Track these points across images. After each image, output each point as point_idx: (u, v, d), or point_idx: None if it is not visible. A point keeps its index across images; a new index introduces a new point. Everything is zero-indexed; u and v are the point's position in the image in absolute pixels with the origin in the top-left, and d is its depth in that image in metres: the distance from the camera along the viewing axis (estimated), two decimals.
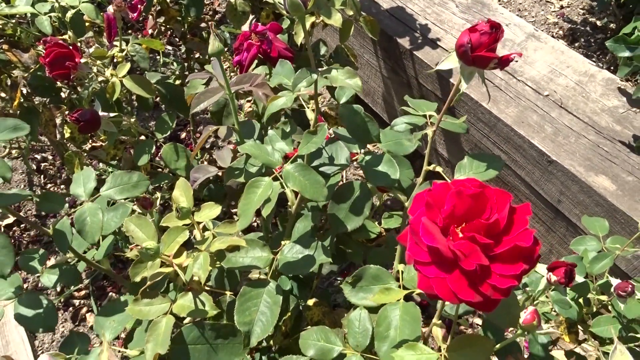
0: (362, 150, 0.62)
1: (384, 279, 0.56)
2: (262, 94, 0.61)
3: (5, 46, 0.98)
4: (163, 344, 0.54)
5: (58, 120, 1.03)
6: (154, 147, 0.94)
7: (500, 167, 0.56)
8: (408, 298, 0.54)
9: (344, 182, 0.61)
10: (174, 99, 0.96)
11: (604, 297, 0.82)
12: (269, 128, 0.61)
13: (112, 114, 0.84)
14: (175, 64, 1.79)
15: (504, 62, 0.47)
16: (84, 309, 1.54)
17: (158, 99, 1.29)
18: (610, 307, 0.81)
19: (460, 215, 0.37)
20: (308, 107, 0.61)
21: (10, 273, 0.61)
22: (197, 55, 1.36)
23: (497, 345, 0.48)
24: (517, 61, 1.27)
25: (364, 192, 0.60)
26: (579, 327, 0.86)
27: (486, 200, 0.37)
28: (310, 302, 0.79)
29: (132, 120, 0.92)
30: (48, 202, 0.67)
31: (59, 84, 1.13)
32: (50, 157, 1.87)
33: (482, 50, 0.45)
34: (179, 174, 0.93)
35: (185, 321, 0.67)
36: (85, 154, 1.18)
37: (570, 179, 1.07)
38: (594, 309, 0.85)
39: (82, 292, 1.55)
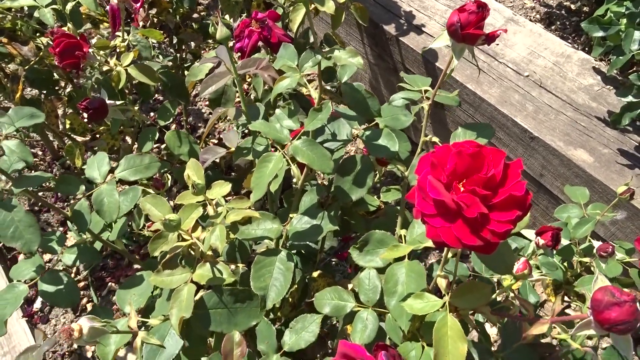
0: (362, 127, 0.67)
1: (389, 242, 0.61)
2: (268, 76, 0.65)
3: (4, 39, 1.00)
4: (187, 308, 0.58)
5: (60, 112, 1.06)
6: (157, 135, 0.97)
7: (491, 134, 0.62)
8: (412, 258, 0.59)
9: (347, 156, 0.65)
10: (174, 87, 0.99)
11: (586, 260, 0.88)
12: (275, 109, 0.65)
13: (118, 102, 0.87)
14: (160, 57, 1.81)
15: (490, 39, 0.52)
16: (84, 300, 1.57)
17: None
18: (592, 269, 0.88)
19: (461, 172, 0.42)
20: (311, 88, 0.65)
21: None
22: (190, 46, 1.39)
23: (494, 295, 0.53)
24: (498, 44, 1.33)
25: (365, 165, 0.65)
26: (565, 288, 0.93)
27: (483, 158, 0.42)
28: (315, 274, 0.84)
29: (136, 108, 0.95)
30: (65, 184, 0.70)
31: (55, 76, 1.15)
32: (40, 153, 1.88)
33: (470, 28, 0.50)
34: (182, 159, 0.97)
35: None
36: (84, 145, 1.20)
37: (551, 153, 1.14)
38: (578, 271, 0.92)
39: (82, 284, 1.58)
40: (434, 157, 0.43)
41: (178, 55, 1.37)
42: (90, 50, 0.83)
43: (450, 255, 0.52)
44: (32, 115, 0.67)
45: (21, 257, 1.65)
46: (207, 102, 1.81)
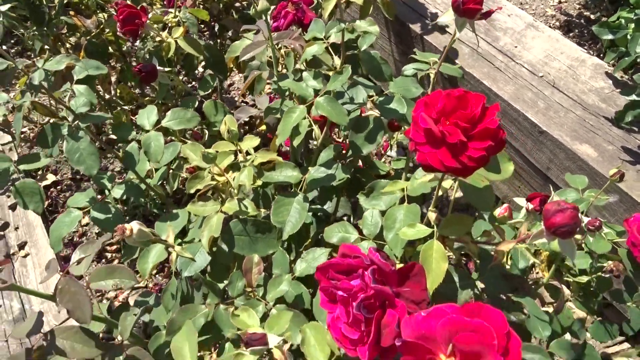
0: (376, 95, 0.77)
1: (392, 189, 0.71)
2: (299, 45, 0.76)
3: (72, 12, 1.15)
4: (216, 230, 0.69)
5: (113, 78, 1.19)
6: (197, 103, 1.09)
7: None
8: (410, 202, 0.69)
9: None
10: (215, 62, 1.11)
11: (578, 237, 0.95)
12: (301, 72, 0.76)
13: (166, 69, 1.00)
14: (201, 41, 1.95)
15: (487, 14, 0.62)
16: (116, 261, 1.70)
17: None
18: (583, 245, 0.95)
19: (448, 110, 0.52)
20: (335, 55, 0.76)
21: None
22: (229, 34, 1.52)
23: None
24: (516, 47, 1.41)
25: (377, 124, 0.75)
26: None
27: (467, 100, 0.52)
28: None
29: (180, 78, 1.08)
30: (120, 129, 0.82)
31: (110, 50, 1.29)
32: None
33: (470, 3, 0.60)
34: (216, 126, 1.08)
35: None
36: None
37: (558, 147, 1.21)
38: None
39: (114, 247, 1.71)
40: (427, 99, 0.53)
41: (219, 40, 1.50)
42: (147, 21, 0.96)
43: (440, 192, 0.61)
44: (97, 67, 0.80)
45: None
46: (239, 92, 1.95)
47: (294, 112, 0.70)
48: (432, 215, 0.61)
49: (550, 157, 1.24)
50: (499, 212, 0.63)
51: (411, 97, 0.77)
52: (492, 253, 0.58)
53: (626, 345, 1.38)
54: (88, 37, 1.16)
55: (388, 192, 0.71)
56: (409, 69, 0.76)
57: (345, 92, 0.77)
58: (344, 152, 0.80)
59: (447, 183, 0.62)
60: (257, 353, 0.48)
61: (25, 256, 1.55)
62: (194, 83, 1.78)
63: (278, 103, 0.81)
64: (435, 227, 0.60)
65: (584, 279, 0.95)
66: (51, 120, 0.74)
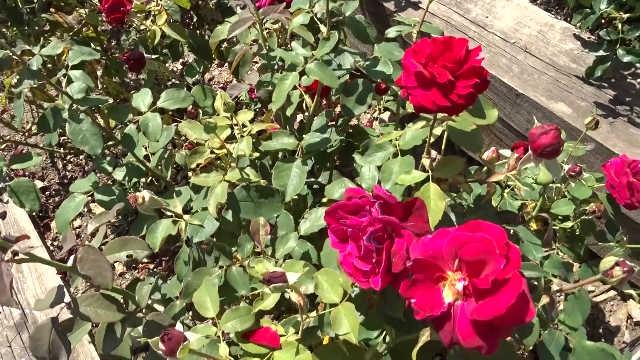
0: (363, 59, 0.81)
1: (385, 146, 0.75)
2: (285, 18, 0.79)
3: (52, 9, 1.16)
4: (222, 196, 0.72)
5: (99, 73, 1.21)
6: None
7: None
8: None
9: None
10: (200, 48, 1.14)
11: (561, 185, 1.01)
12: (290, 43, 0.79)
13: (153, 56, 1.02)
14: None
15: None
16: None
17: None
18: (566, 193, 1.01)
19: (435, 55, 0.56)
20: (321, 24, 0.79)
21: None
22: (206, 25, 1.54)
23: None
24: (487, 17, 1.47)
25: (365, 87, 0.79)
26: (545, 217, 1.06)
27: (452, 43, 0.56)
28: (325, 200, 0.98)
29: (166, 65, 1.10)
30: (117, 112, 0.85)
31: (92, 45, 1.30)
32: None
33: None
34: (207, 110, 1.11)
35: None
36: None
37: (534, 107, 1.27)
38: (555, 199, 1.04)
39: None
40: (415, 46, 0.57)
41: (198, 32, 1.52)
42: (131, 9, 0.98)
43: (432, 139, 0.65)
44: (90, 53, 0.82)
45: (53, 223, 1.80)
46: (220, 86, 1.97)
47: (287, 78, 0.73)
48: (426, 161, 0.65)
49: (528, 118, 1.30)
50: (487, 155, 0.67)
51: (395, 60, 0.81)
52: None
53: (612, 292, 1.45)
54: (71, 34, 1.17)
55: (382, 143, 0.75)
56: (392, 31, 0.80)
57: (332, 60, 0.81)
58: (336, 117, 0.84)
59: (437, 130, 0.66)
60: (278, 290, 0.52)
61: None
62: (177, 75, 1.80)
63: (269, 76, 0.84)
64: (430, 171, 0.64)
65: (569, 224, 1.01)
66: (51, 105, 0.76)
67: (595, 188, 0.98)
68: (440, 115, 0.63)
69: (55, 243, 1.80)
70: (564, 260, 1.01)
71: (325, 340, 0.65)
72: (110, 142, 0.93)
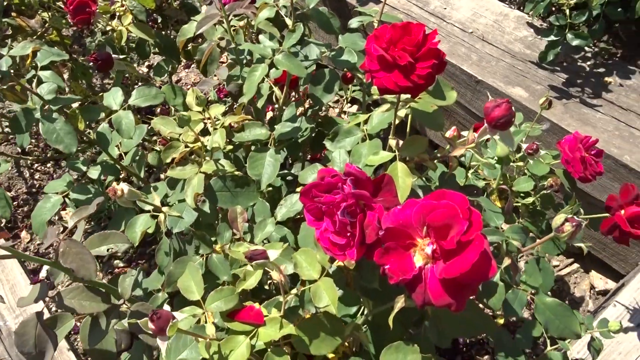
0: (328, 50, 0.84)
1: (354, 132, 0.78)
2: (251, 12, 0.82)
3: (14, 14, 1.15)
4: (199, 187, 0.74)
5: (66, 76, 1.20)
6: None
7: None
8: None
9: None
10: (167, 47, 1.15)
11: (521, 163, 1.07)
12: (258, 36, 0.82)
13: (121, 56, 1.03)
14: None
15: None
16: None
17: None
18: (526, 170, 1.07)
19: (396, 39, 0.60)
20: (287, 19, 0.82)
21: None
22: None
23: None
24: (445, 8, 1.53)
25: (332, 76, 0.82)
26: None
27: (411, 28, 0.59)
28: (298, 189, 1.01)
29: (135, 66, 1.11)
30: (89, 112, 0.85)
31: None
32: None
33: None
34: (177, 109, 1.12)
35: None
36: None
37: (493, 92, 1.33)
38: (516, 177, 1.10)
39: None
40: (376, 32, 0.60)
41: (164, 33, 1.53)
42: (97, 10, 0.98)
43: (397, 121, 0.69)
44: (59, 54, 0.82)
45: (23, 233, 1.77)
46: (188, 87, 1.97)
47: (257, 70, 0.76)
48: (392, 142, 0.69)
49: None
50: (449, 133, 0.71)
51: (359, 50, 0.84)
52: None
53: (576, 265, 1.54)
54: (34, 38, 1.16)
55: (350, 129, 0.78)
56: (354, 22, 0.83)
57: (299, 52, 0.84)
58: (305, 106, 0.87)
59: (402, 112, 0.70)
60: (260, 266, 0.54)
61: None
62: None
63: (238, 70, 0.87)
64: (396, 151, 0.68)
65: (530, 199, 1.07)
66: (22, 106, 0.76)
67: (553, 165, 1.05)
68: (403, 97, 0.67)
69: (27, 253, 1.77)
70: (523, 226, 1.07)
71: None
72: (83, 144, 0.94)
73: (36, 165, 1.89)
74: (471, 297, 0.63)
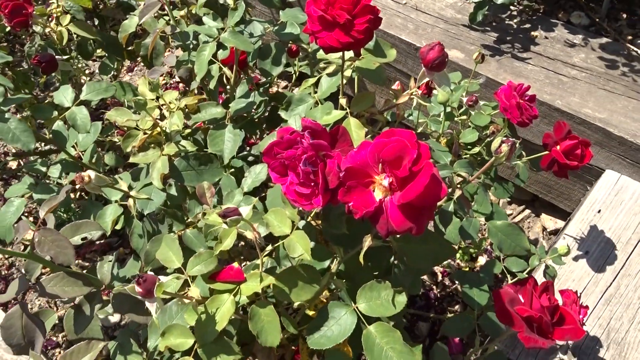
0: (271, 26, 0.88)
1: (306, 99, 0.82)
2: None
3: None
4: (164, 168, 0.76)
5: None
6: None
7: None
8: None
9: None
10: (110, 44, 1.15)
11: (464, 117, 1.14)
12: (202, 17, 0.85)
13: (64, 57, 1.03)
14: None
15: None
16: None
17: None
18: (469, 123, 1.14)
19: (333, 1, 0.64)
20: None
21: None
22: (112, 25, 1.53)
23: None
24: None
25: (279, 49, 0.86)
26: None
27: None
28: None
29: (79, 65, 1.10)
30: (40, 111, 0.85)
31: None
32: None
33: None
34: (129, 105, 1.13)
35: None
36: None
37: None
38: (462, 131, 1.18)
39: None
40: None
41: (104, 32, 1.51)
42: (33, 12, 0.98)
43: (345, 81, 0.74)
44: (2, 57, 0.82)
45: None
46: (137, 83, 1.95)
47: (205, 49, 0.79)
48: (342, 100, 0.73)
49: None
50: (394, 87, 0.77)
51: (300, 23, 0.89)
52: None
53: (527, 211, 1.65)
54: None
55: (302, 96, 0.82)
56: None
57: (244, 31, 0.87)
58: (256, 83, 0.90)
59: (348, 73, 0.75)
60: (234, 223, 0.58)
61: None
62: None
63: (185, 56, 0.89)
64: (347, 108, 0.73)
65: (476, 149, 1.15)
66: None
67: (493, 115, 1.13)
68: (347, 56, 0.71)
69: None
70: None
71: None
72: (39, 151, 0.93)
73: None
74: (431, 230, 0.69)
